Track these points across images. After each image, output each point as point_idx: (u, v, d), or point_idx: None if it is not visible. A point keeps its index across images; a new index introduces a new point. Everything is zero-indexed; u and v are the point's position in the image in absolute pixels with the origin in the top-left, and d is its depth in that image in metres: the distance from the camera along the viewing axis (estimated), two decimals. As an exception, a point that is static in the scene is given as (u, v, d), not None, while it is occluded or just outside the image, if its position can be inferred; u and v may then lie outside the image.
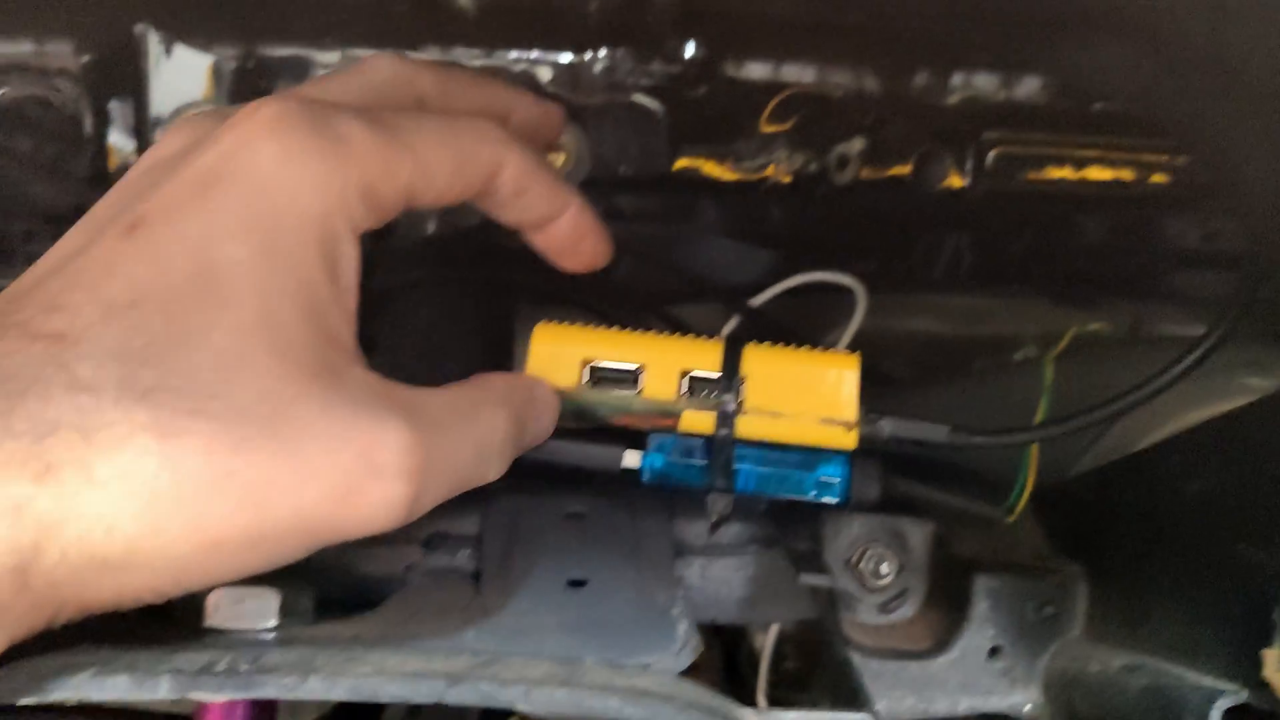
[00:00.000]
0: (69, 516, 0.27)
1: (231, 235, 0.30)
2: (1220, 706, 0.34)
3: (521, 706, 0.30)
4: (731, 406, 0.40)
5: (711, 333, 0.62)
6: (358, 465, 0.29)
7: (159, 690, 0.28)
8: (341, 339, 0.32)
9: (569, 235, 0.40)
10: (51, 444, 0.27)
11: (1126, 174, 0.61)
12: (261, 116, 0.31)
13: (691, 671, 0.36)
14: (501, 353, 0.57)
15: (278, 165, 0.31)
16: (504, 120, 0.42)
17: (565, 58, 0.54)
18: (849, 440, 0.40)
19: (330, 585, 0.42)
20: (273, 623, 0.36)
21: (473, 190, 0.37)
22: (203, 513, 0.28)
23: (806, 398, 0.40)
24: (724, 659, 0.90)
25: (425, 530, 0.44)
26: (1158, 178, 0.62)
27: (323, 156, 0.31)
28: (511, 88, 0.44)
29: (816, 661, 0.84)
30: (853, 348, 0.62)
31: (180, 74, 0.51)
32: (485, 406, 0.34)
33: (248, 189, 0.30)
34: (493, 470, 0.35)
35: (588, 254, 0.41)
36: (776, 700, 0.76)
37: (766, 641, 0.69)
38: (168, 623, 0.36)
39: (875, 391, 0.61)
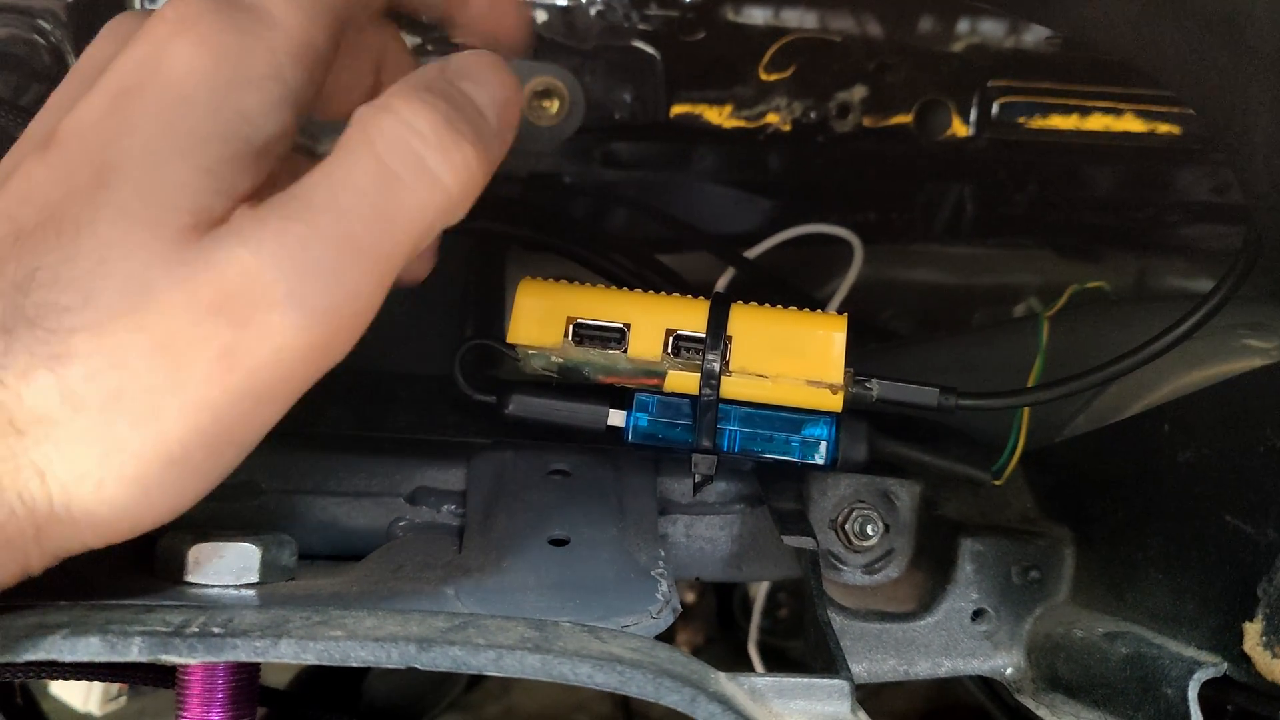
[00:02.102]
0: (6, 469, 0.26)
1: (136, 132, 0.28)
2: (1199, 679, 0.34)
3: (492, 671, 0.30)
4: (716, 367, 0.39)
5: (707, 282, 0.61)
6: (230, 331, 0.26)
7: (130, 652, 0.28)
8: (237, 189, 0.28)
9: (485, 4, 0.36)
10: None
11: (1136, 125, 0.60)
12: (172, 14, 0.29)
13: (684, 617, 0.36)
14: (493, 300, 0.56)
15: (191, 65, 0.28)
16: None
17: (561, 1, 0.53)
18: (835, 403, 0.39)
19: (315, 539, 0.42)
20: (253, 579, 0.36)
21: None
22: (113, 445, 0.26)
23: (793, 359, 0.39)
24: (718, 603, 0.91)
25: (410, 485, 0.43)
26: (1168, 129, 0.60)
27: (236, 36, 0.29)
28: None
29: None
30: (852, 299, 0.61)
31: (164, 15, 0.50)
32: (378, 139, 0.28)
33: (163, 97, 0.28)
34: (456, 211, 0.29)
35: (509, 24, 0.36)
36: (768, 647, 0.77)
37: (759, 594, 0.70)
38: (147, 575, 0.36)
39: (873, 348, 0.61)
